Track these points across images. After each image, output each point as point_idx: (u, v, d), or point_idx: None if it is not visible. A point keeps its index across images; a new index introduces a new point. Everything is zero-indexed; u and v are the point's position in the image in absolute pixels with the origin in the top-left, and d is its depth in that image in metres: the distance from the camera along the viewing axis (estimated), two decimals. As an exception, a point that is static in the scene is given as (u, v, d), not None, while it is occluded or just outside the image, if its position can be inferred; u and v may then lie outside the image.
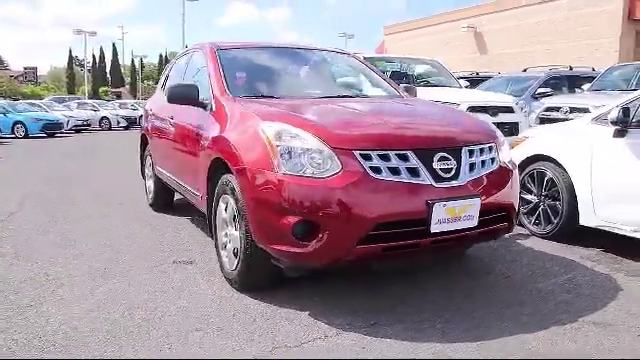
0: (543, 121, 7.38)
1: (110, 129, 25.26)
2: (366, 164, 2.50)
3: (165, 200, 5.15)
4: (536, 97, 8.92)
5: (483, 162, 2.83)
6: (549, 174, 4.06)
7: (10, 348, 2.28)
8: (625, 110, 3.49)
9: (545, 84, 9.43)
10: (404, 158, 2.57)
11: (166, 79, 5.19)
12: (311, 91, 3.88)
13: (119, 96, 51.54)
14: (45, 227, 4.45)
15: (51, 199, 5.77)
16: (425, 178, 2.56)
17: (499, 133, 3.16)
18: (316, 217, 2.45)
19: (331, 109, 3.17)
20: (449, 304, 2.78)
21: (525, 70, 11.03)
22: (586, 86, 9.07)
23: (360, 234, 2.46)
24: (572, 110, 7.12)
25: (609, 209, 3.62)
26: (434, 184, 2.57)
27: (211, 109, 3.42)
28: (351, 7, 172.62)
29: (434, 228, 2.54)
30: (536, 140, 4.36)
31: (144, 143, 5.48)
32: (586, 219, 3.80)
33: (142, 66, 63.23)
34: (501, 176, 2.92)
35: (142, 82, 59.33)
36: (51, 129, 18.89)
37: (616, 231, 3.63)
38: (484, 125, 3.23)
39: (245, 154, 2.76)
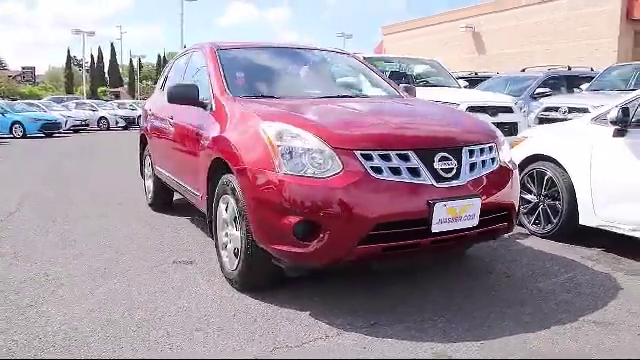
0: (542, 121, 7.39)
1: (108, 129, 25.23)
2: (367, 164, 2.50)
3: (164, 200, 5.14)
4: (535, 97, 8.94)
5: (483, 162, 2.83)
6: (549, 174, 4.07)
7: (10, 349, 2.27)
8: (624, 110, 3.50)
9: (544, 84, 9.45)
10: (405, 158, 2.57)
11: (165, 79, 5.19)
12: (311, 91, 3.88)
13: (117, 96, 51.45)
14: (44, 227, 4.44)
15: (50, 199, 5.76)
16: (426, 178, 2.56)
17: (499, 133, 3.16)
18: (317, 217, 2.45)
19: (332, 109, 3.17)
20: (450, 304, 2.78)
21: (524, 70, 11.05)
22: (584, 86, 9.08)
23: (361, 234, 2.45)
24: (571, 110, 7.14)
25: (609, 208, 3.63)
26: (435, 184, 2.57)
27: (211, 109, 3.41)
28: (351, 7, 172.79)
29: (435, 228, 2.54)
30: (536, 140, 4.36)
31: (143, 143, 5.48)
32: (586, 218, 3.81)
33: (140, 66, 63.16)
34: (501, 176, 2.92)
35: (140, 82, 59.24)
36: (49, 129, 18.84)
37: (616, 230, 3.64)
38: (484, 125, 3.23)
39: (246, 154, 2.76)
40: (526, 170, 4.25)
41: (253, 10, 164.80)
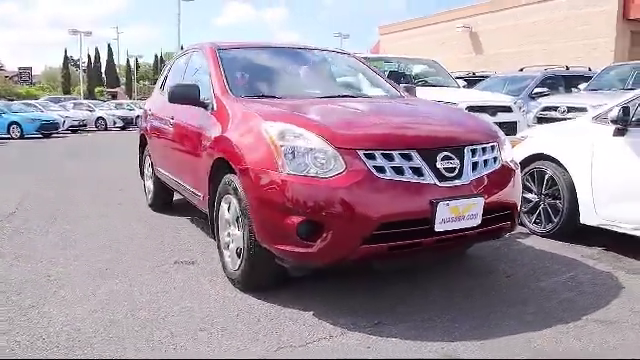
0: (541, 120, 7.40)
1: (106, 129, 25.15)
2: (370, 164, 2.50)
3: (164, 200, 5.13)
4: (533, 97, 8.95)
5: (486, 161, 2.84)
6: (549, 173, 4.08)
7: (13, 350, 2.26)
8: (625, 109, 3.51)
9: (542, 84, 9.47)
10: (408, 157, 2.57)
11: (165, 79, 5.18)
12: (312, 91, 3.87)
13: (115, 96, 51.37)
14: (44, 227, 4.42)
15: (50, 199, 5.74)
16: (429, 177, 2.56)
17: (501, 132, 3.17)
18: (320, 217, 2.45)
19: (333, 109, 3.17)
20: (451, 303, 2.79)
21: (522, 70, 11.06)
22: (582, 86, 9.11)
23: (364, 234, 2.45)
24: (570, 109, 7.15)
25: (609, 207, 3.64)
26: (438, 183, 2.57)
27: (212, 109, 3.41)
28: (348, 7, 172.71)
29: (438, 227, 2.54)
30: (536, 139, 4.37)
31: (143, 143, 5.46)
32: (587, 217, 3.82)
33: (137, 66, 63.11)
34: (503, 175, 2.92)
35: (137, 82, 59.18)
36: (47, 129, 18.77)
37: (616, 229, 3.64)
38: (486, 124, 3.24)
39: (248, 154, 2.76)
40: (527, 169, 4.26)
41: (250, 10, 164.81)
